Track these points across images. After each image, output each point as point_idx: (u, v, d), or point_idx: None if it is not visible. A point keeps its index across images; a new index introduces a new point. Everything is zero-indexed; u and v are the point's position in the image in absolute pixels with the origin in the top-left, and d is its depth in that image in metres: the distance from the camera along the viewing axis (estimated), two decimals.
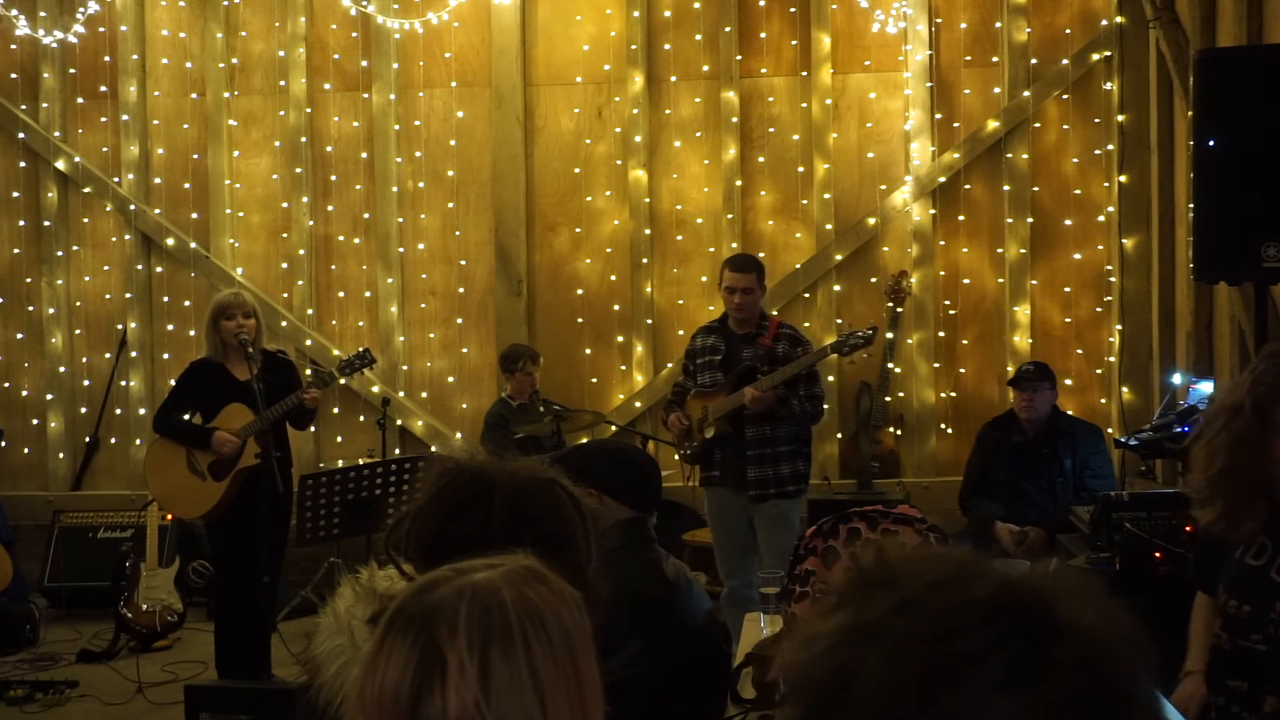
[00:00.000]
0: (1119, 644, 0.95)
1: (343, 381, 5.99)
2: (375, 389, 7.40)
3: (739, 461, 5.42)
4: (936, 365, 7.26)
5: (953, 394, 7.30)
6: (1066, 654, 0.92)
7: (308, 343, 7.50)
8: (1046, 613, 0.94)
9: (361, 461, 6.49)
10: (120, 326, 7.74)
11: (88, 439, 7.79)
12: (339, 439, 7.62)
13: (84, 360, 7.84)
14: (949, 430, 7.28)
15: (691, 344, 5.75)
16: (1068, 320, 7.22)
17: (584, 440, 6.94)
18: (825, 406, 5.60)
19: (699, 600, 3.15)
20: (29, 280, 7.80)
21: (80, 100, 7.78)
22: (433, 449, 7.37)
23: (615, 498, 2.96)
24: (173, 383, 6.09)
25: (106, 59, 7.71)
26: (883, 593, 0.97)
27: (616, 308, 7.49)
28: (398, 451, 7.31)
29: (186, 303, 7.64)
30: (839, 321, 7.26)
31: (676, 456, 5.77)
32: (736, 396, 5.36)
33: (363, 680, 1.29)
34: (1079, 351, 7.22)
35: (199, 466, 5.47)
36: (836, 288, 7.29)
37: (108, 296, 7.80)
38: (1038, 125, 7.20)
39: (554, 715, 1.25)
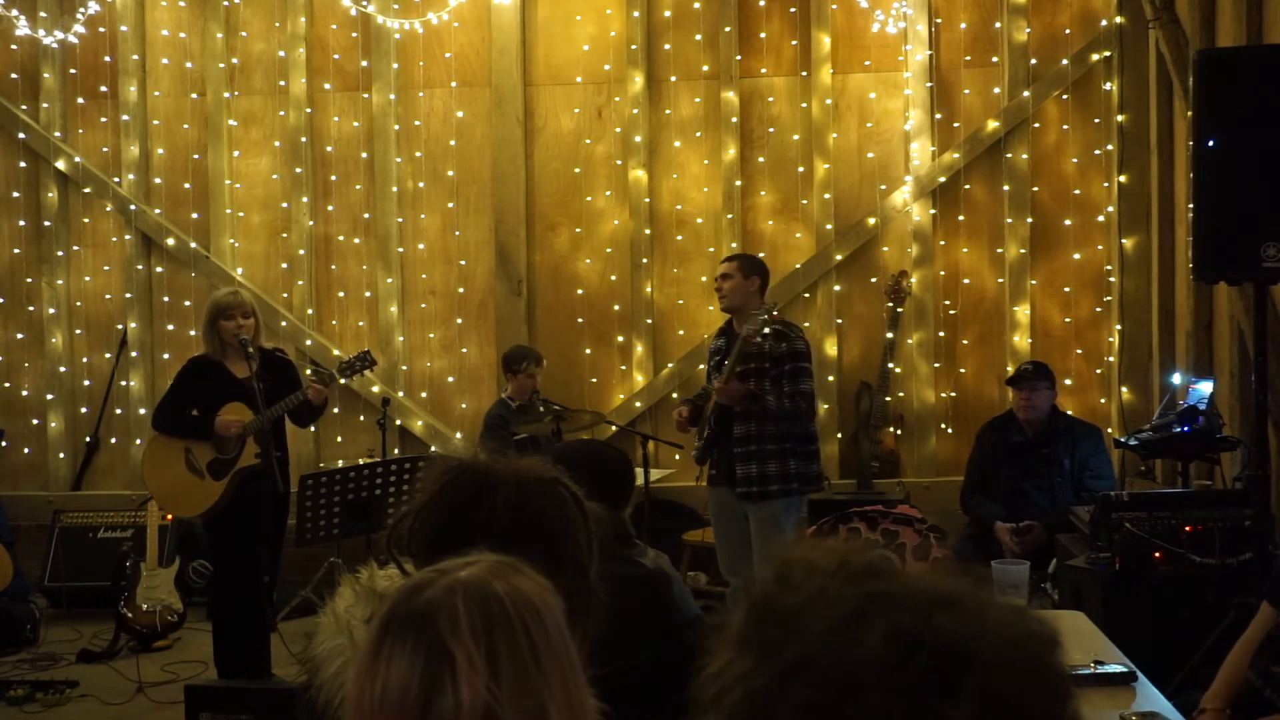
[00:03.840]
0: (1031, 670, 0.90)
1: (343, 382, 5.98)
2: (375, 389, 7.40)
3: (730, 460, 5.41)
4: (936, 365, 7.26)
5: (953, 394, 7.30)
6: (971, 688, 0.87)
7: (308, 343, 7.50)
8: (950, 648, 0.88)
9: (361, 461, 6.50)
10: (120, 326, 7.73)
11: (88, 439, 7.79)
12: (339, 439, 7.61)
13: (84, 360, 7.83)
14: (949, 430, 7.28)
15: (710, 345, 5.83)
16: (1067, 320, 7.22)
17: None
18: (807, 404, 5.40)
19: (681, 594, 3.19)
20: (29, 280, 7.80)
21: (80, 100, 7.78)
22: (433, 449, 7.36)
23: (589, 496, 2.98)
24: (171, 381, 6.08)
25: (107, 59, 7.71)
26: (779, 638, 0.92)
27: (616, 308, 7.49)
28: (397, 451, 7.31)
29: (186, 303, 7.64)
30: (839, 322, 7.28)
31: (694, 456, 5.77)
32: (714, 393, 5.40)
33: (359, 688, 1.30)
34: (1079, 351, 7.22)
35: (198, 465, 5.45)
36: (837, 288, 7.29)
37: (108, 296, 7.79)
38: (1037, 125, 7.20)
39: (555, 694, 1.31)
